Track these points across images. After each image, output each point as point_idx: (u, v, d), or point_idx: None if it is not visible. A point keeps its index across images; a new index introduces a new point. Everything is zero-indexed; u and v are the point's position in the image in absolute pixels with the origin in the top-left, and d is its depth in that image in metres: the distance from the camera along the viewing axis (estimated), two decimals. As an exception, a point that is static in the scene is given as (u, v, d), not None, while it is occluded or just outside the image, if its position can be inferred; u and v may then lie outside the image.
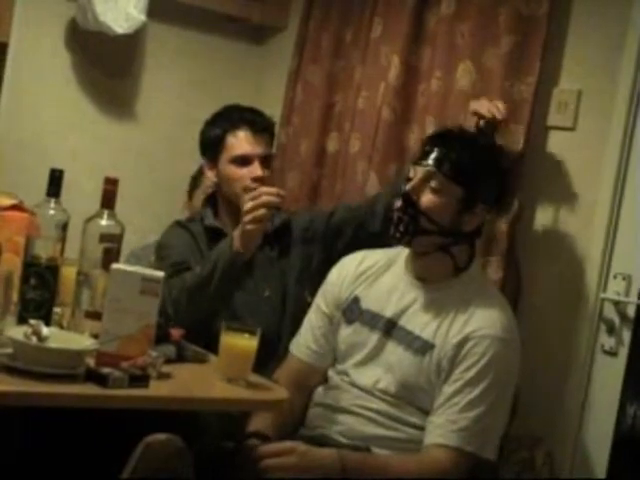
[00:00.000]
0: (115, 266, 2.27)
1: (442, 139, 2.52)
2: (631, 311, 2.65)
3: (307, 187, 3.50)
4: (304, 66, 3.60)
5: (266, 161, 2.94)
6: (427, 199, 2.47)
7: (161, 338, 2.34)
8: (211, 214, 3.00)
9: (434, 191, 2.46)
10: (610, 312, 2.69)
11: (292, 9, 3.82)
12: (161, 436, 2.13)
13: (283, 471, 2.35)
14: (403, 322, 2.54)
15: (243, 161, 2.93)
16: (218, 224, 2.98)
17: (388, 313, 2.56)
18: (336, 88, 3.48)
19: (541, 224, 2.88)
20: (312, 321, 2.71)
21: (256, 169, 2.91)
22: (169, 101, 3.83)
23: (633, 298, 2.64)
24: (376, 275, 2.65)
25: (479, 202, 2.49)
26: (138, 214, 3.46)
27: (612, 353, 2.67)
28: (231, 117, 3.01)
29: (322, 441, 2.51)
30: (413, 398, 2.49)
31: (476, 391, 2.40)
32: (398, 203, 2.50)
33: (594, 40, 2.78)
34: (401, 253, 2.63)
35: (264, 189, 2.66)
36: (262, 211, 2.61)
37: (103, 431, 2.32)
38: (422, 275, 2.56)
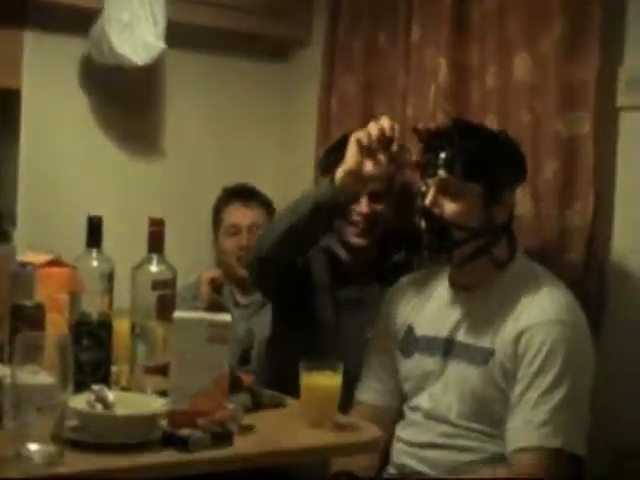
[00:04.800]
0: (178, 315, 2.08)
1: (440, 140, 2.37)
2: None
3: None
4: (337, 76, 3.43)
5: (378, 194, 2.78)
6: (450, 209, 2.33)
7: (232, 387, 2.13)
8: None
9: (453, 198, 2.33)
10: None
11: (315, 20, 3.65)
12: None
13: None
14: (460, 338, 2.39)
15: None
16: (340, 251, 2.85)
17: (443, 333, 2.42)
18: (375, 96, 3.29)
19: (622, 216, 2.66)
20: (372, 361, 2.57)
21: (363, 205, 2.76)
22: (196, 131, 3.66)
23: None
24: (424, 298, 2.51)
25: (503, 189, 2.35)
26: (174, 253, 3.27)
27: None
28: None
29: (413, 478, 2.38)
30: (489, 412, 2.32)
31: (546, 381, 2.22)
32: (422, 224, 2.37)
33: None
34: (440, 269, 2.50)
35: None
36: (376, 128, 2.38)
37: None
38: (467, 284, 2.42)
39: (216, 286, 3.31)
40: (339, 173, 2.41)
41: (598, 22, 2.61)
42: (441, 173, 2.33)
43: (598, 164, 2.63)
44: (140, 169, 3.57)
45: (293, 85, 3.76)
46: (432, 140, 2.39)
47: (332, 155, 2.79)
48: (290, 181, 3.42)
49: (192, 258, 3.40)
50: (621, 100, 2.65)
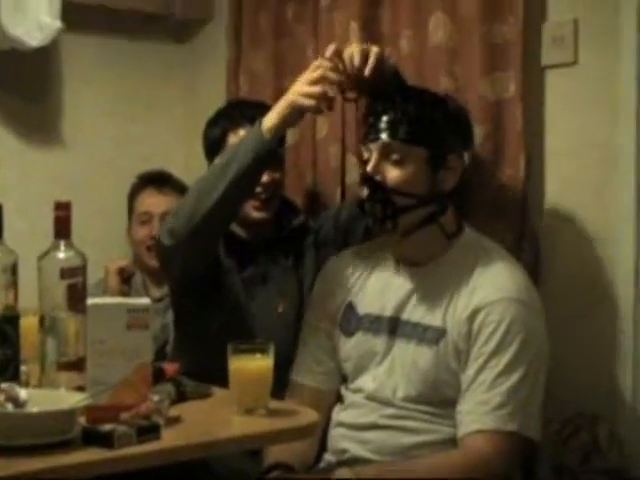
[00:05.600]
0: (92, 301, 1.92)
1: (381, 103, 2.24)
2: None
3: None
4: (244, 53, 3.27)
5: (277, 163, 2.59)
6: (393, 176, 2.20)
7: (154, 377, 1.99)
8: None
9: (397, 163, 2.20)
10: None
11: (216, -3, 3.52)
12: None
13: None
14: (407, 316, 2.25)
15: None
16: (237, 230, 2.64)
17: (388, 312, 2.28)
18: (285, 70, 3.13)
19: (554, 182, 2.55)
20: (308, 341, 2.42)
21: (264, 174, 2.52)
22: (97, 118, 3.47)
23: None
24: (365, 274, 2.36)
25: (448, 153, 2.23)
26: (81, 247, 3.11)
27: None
28: (232, 114, 2.69)
29: (354, 464, 2.21)
30: (438, 395, 2.19)
31: (503, 362, 2.11)
32: (364, 192, 2.22)
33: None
34: (384, 242, 2.35)
35: (322, 61, 2.26)
36: (318, 88, 2.20)
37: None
38: (414, 258, 2.29)
39: (125, 277, 3.13)
40: (271, 120, 2.25)
41: (520, -25, 2.51)
42: (384, 137, 2.20)
43: (526, 127, 2.53)
44: (39, 157, 3.38)
45: (196, 65, 3.61)
46: (376, 102, 2.26)
47: (217, 126, 2.68)
48: (203, 165, 3.25)
49: (101, 250, 3.24)
50: (546, 59, 2.55)
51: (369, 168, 2.21)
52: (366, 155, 2.24)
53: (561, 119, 2.54)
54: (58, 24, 3.02)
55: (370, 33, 2.81)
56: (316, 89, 2.19)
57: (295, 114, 2.24)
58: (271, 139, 2.23)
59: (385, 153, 2.20)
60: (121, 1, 3.31)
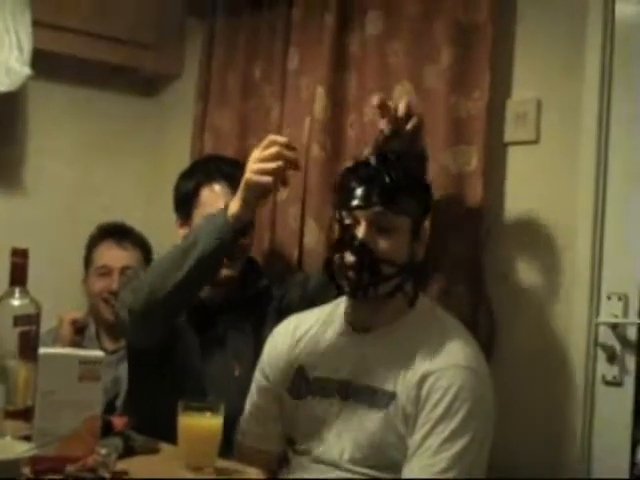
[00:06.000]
0: (44, 351, 1.92)
1: (370, 170, 2.23)
2: (632, 334, 2.37)
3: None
4: (210, 111, 3.31)
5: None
6: (384, 244, 2.18)
7: (103, 431, 1.98)
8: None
9: (387, 232, 2.18)
10: (608, 338, 2.40)
11: (187, 55, 3.56)
12: None
13: None
14: (359, 380, 2.24)
15: None
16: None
17: (340, 375, 2.27)
18: (249, 130, 3.17)
19: (512, 253, 2.58)
20: (253, 402, 2.40)
21: None
22: (60, 166, 3.47)
23: (633, 318, 2.36)
24: (316, 338, 2.35)
25: (421, 224, 2.24)
26: (36, 295, 3.08)
27: (616, 383, 2.39)
28: (207, 169, 2.69)
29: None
30: (385, 458, 2.18)
31: (449, 428, 2.10)
32: (351, 258, 2.18)
33: (547, 42, 2.52)
34: (338, 307, 2.36)
35: (275, 138, 2.23)
36: (272, 165, 2.18)
37: None
38: (371, 323, 2.28)
39: (78, 328, 3.11)
40: (235, 206, 2.23)
41: (488, 53, 2.55)
42: (376, 206, 2.18)
43: (486, 200, 2.56)
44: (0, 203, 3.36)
45: (163, 119, 3.64)
46: (364, 169, 2.24)
47: (191, 179, 2.69)
48: (163, 219, 3.25)
49: (55, 299, 3.20)
50: (509, 135, 2.60)
51: (361, 235, 2.18)
52: (348, 222, 2.21)
53: (521, 195, 2.58)
54: (27, 71, 3.03)
55: (335, 98, 2.87)
56: (271, 165, 2.17)
57: (253, 193, 2.21)
58: (234, 224, 2.23)
59: (375, 221, 2.18)
60: (92, 52, 3.34)
